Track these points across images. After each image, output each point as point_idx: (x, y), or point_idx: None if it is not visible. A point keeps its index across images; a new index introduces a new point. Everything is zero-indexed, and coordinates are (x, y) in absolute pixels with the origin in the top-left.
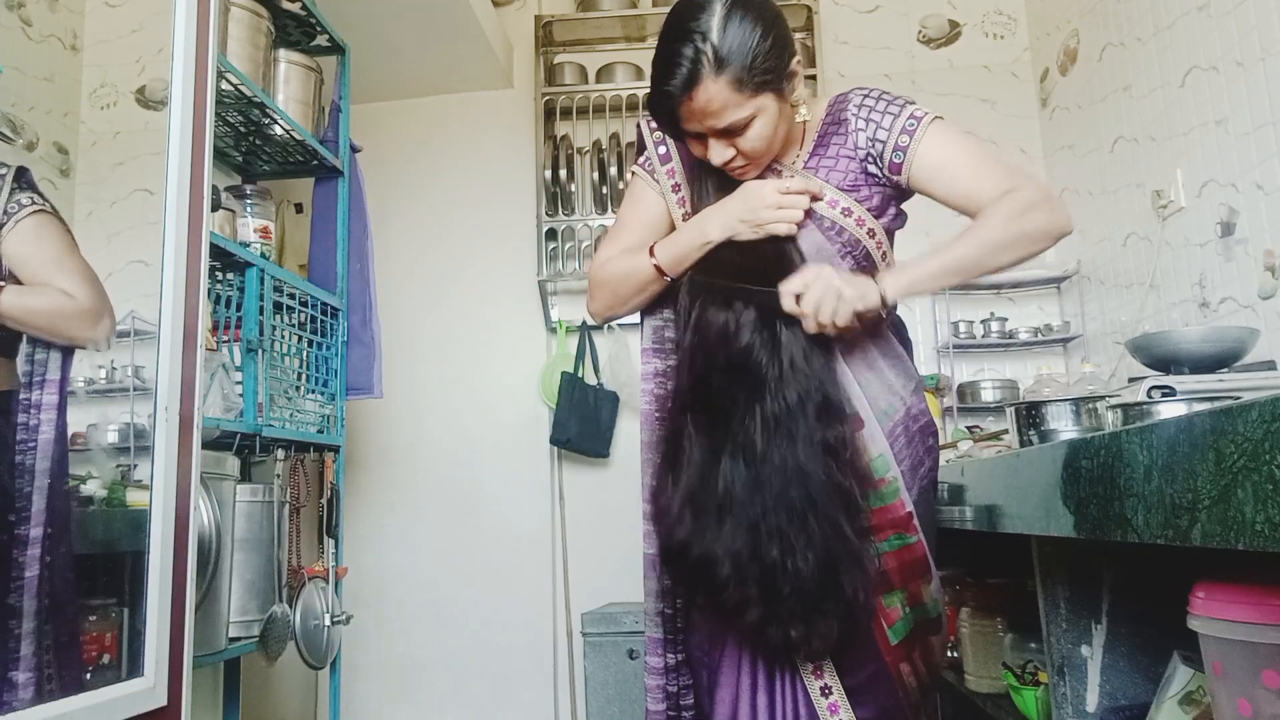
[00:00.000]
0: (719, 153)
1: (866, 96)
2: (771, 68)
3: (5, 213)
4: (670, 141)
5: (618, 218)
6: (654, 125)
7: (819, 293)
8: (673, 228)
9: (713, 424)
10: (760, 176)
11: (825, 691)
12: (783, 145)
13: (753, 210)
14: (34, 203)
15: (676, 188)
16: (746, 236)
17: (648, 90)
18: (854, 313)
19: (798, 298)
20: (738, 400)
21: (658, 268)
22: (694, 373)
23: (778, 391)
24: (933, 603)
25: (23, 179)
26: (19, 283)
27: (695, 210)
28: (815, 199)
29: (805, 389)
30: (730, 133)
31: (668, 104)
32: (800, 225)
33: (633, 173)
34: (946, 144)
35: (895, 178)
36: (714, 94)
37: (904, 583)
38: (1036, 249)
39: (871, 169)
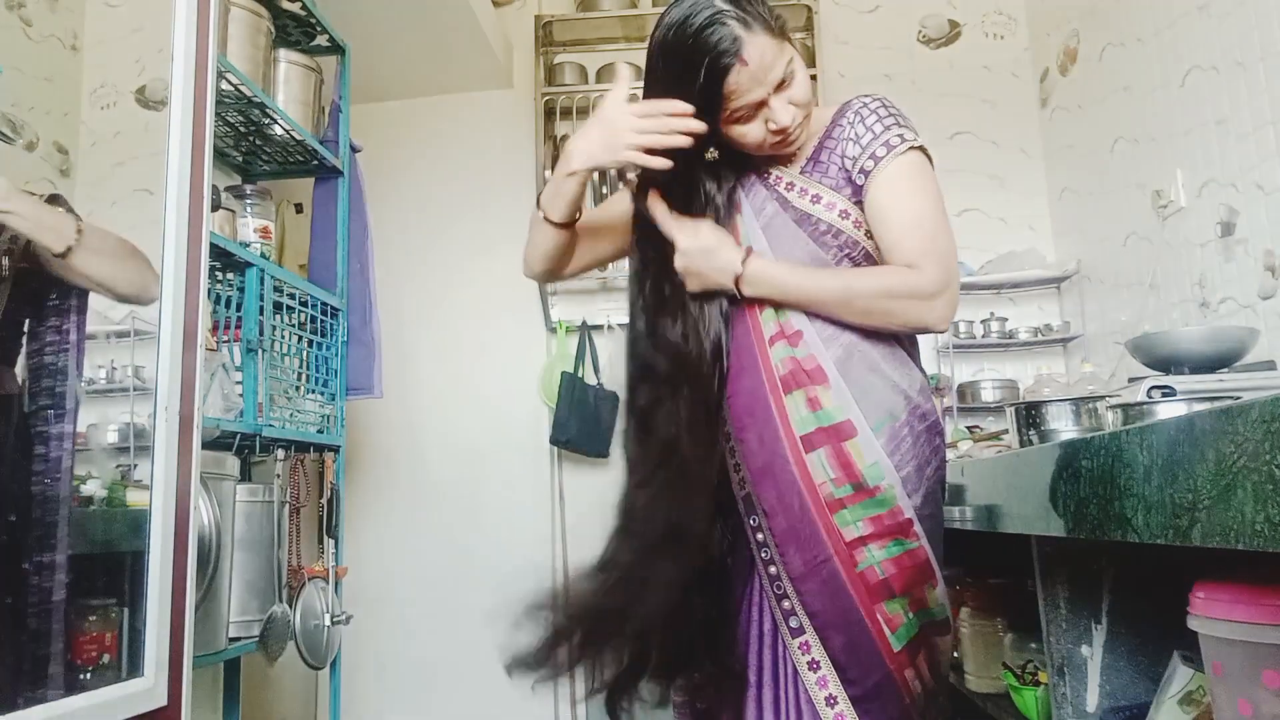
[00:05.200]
0: (785, 111)
1: (864, 106)
2: (776, 14)
3: None
4: None
5: None
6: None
7: (688, 264)
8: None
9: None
10: (765, 178)
11: (830, 702)
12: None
13: (613, 137)
14: (66, 202)
15: None
16: (609, 166)
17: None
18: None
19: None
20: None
21: (540, 207)
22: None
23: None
24: (939, 607)
25: (57, 203)
26: None
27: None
28: (678, 115)
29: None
30: (783, 85)
31: (718, 84)
32: (791, 232)
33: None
34: (903, 184)
35: (860, 196)
36: (763, 46)
37: (906, 589)
38: (892, 328)
39: (855, 179)
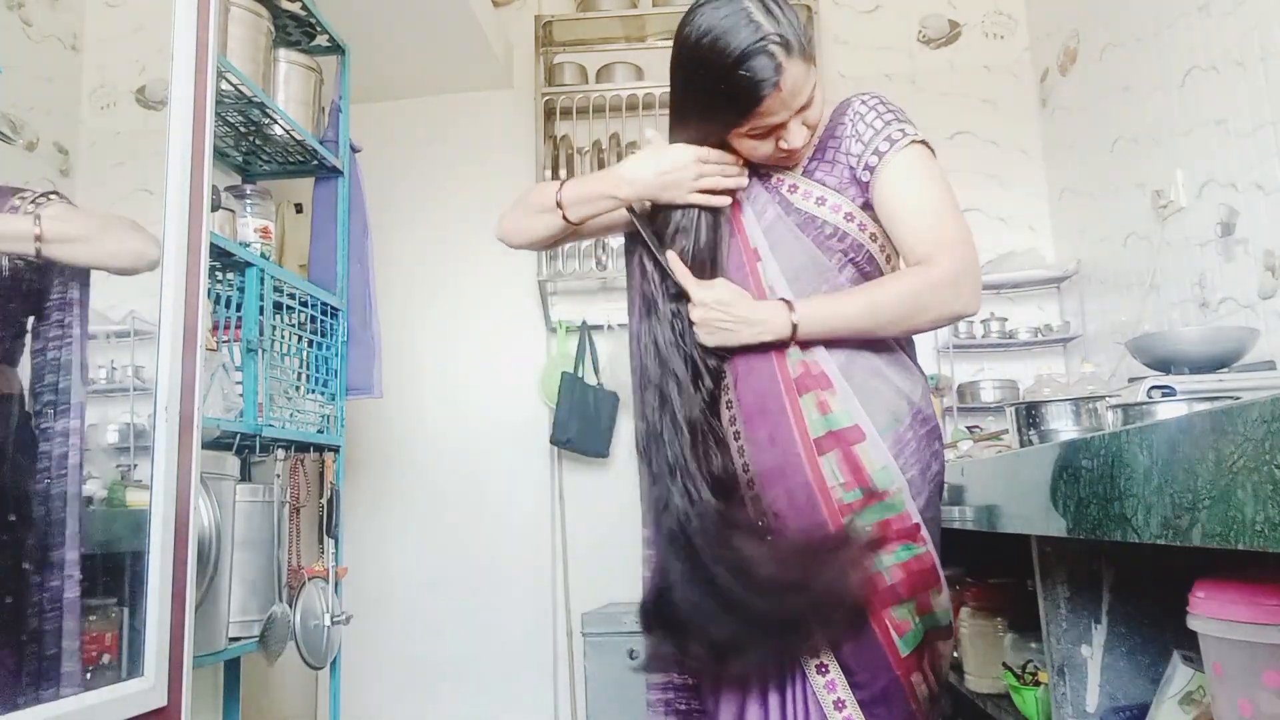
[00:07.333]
0: (800, 134)
1: (863, 103)
2: (809, 37)
3: (36, 203)
4: None
5: None
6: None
7: (707, 316)
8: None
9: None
10: (766, 181)
11: (839, 706)
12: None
13: (680, 178)
14: (64, 198)
15: None
16: (664, 202)
17: (649, 91)
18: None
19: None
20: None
21: (559, 201)
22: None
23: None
24: (943, 612)
25: (54, 198)
26: None
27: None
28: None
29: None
30: (804, 107)
31: (752, 108)
32: (793, 236)
33: None
34: (909, 176)
35: (865, 195)
36: (797, 74)
37: (913, 593)
38: (929, 327)
39: (860, 177)
